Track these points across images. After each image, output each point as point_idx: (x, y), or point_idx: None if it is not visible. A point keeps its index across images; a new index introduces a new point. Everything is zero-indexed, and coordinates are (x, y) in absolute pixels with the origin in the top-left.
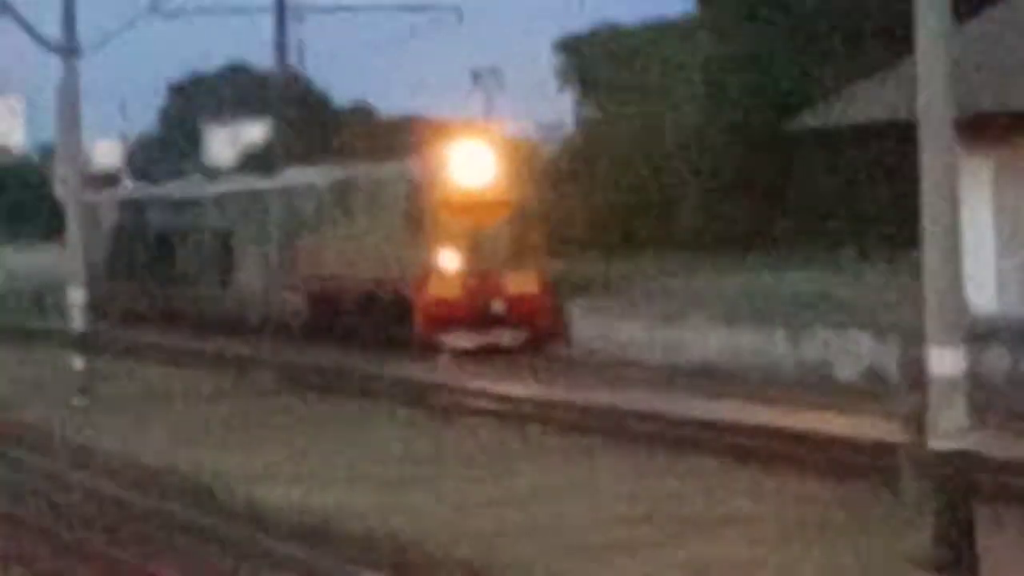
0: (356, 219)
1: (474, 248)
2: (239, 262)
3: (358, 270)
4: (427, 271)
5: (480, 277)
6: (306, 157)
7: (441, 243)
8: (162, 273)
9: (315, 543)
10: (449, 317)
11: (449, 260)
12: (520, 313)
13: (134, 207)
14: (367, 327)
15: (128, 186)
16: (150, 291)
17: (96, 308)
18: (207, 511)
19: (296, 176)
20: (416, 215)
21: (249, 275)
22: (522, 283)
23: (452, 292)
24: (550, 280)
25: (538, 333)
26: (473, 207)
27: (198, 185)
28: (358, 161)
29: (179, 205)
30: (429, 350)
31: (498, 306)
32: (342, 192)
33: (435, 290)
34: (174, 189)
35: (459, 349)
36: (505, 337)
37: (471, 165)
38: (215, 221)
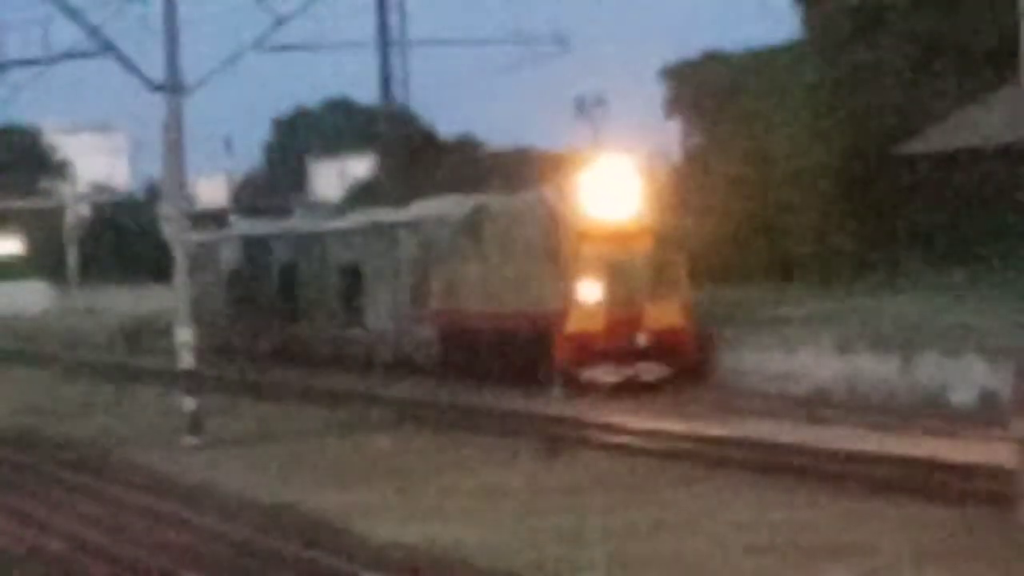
0: (491, 252)
1: (615, 279)
2: (367, 298)
3: (494, 304)
4: (567, 304)
5: (622, 309)
6: (413, 190)
7: (581, 275)
8: (287, 311)
9: None
10: (590, 351)
11: (590, 292)
12: (663, 346)
13: (256, 243)
14: (504, 363)
15: (234, 223)
16: (274, 330)
17: (220, 349)
18: (318, 546)
19: (426, 208)
20: (555, 246)
21: (378, 311)
22: (665, 315)
23: (593, 325)
24: (692, 311)
25: (682, 366)
26: (613, 237)
27: (323, 219)
28: (473, 192)
29: (303, 240)
30: (569, 385)
31: (641, 339)
32: (476, 224)
33: (576, 324)
34: (298, 224)
35: (601, 384)
36: (648, 371)
37: (610, 193)
38: (342, 256)
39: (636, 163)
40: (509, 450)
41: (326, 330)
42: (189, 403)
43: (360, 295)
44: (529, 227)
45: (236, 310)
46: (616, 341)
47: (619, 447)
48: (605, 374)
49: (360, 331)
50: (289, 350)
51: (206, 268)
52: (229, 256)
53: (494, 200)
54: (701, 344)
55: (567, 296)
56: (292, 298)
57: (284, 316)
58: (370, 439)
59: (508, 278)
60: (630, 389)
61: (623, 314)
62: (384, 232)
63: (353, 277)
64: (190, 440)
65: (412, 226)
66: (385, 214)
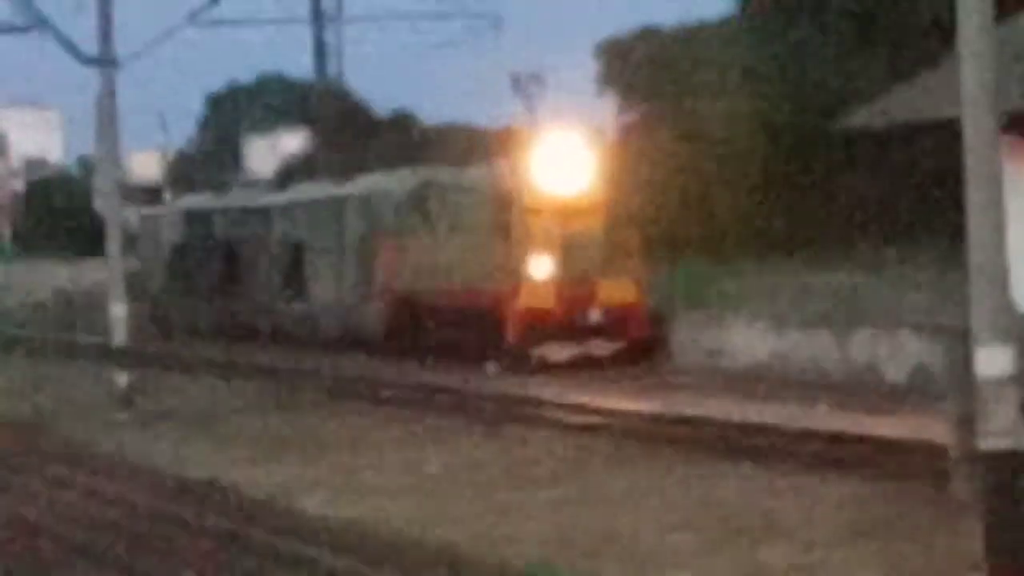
0: (439, 227)
1: (567, 255)
2: (311, 273)
3: (443, 280)
4: (518, 280)
5: (574, 285)
6: (347, 166)
7: (532, 250)
8: (228, 286)
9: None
10: (542, 328)
11: (541, 268)
12: (616, 322)
13: (199, 218)
14: (452, 340)
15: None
16: (216, 305)
17: (159, 322)
18: (245, 522)
19: (372, 182)
20: (505, 221)
21: (322, 287)
22: (618, 291)
23: (545, 302)
24: (645, 287)
25: (635, 343)
26: (565, 211)
27: (266, 194)
28: (407, 167)
29: (246, 214)
30: (520, 362)
31: (593, 315)
32: (423, 199)
33: (527, 300)
34: (240, 198)
35: (553, 361)
36: (601, 348)
37: (561, 168)
38: (285, 230)
39: (586, 137)
40: (446, 427)
41: (269, 306)
42: (121, 378)
43: (304, 270)
44: (478, 202)
45: (178, 285)
46: (568, 317)
47: (554, 423)
48: (557, 351)
49: (304, 307)
50: (231, 326)
51: (148, 243)
52: (171, 231)
53: (442, 174)
54: (653, 320)
55: (518, 272)
56: (235, 273)
57: (227, 292)
58: (304, 415)
59: (457, 253)
60: (579, 366)
61: (575, 290)
62: (329, 206)
63: (297, 252)
64: (121, 416)
65: (358, 200)
66: (330, 188)
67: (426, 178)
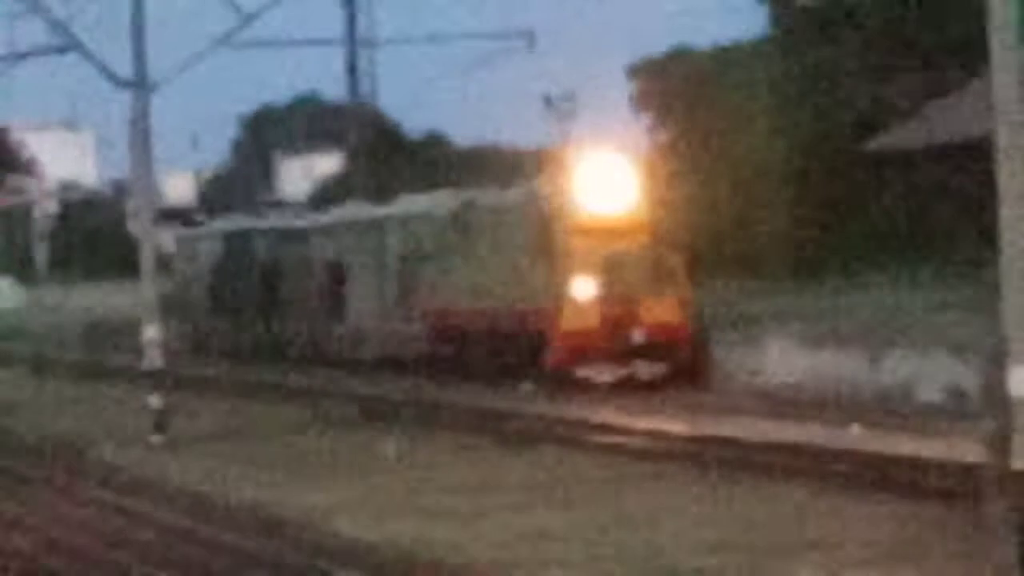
0: (481, 247)
1: (611, 275)
2: (351, 293)
3: (484, 301)
4: (561, 301)
5: (618, 306)
6: (380, 188)
7: (575, 270)
8: (268, 307)
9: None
10: (585, 349)
11: (584, 288)
12: (661, 344)
13: (238, 239)
14: (494, 361)
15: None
16: (255, 326)
17: (200, 345)
18: (278, 544)
19: (413, 203)
20: (547, 241)
21: (362, 307)
22: (663, 311)
23: (588, 323)
24: (690, 308)
25: (680, 364)
26: (608, 231)
27: (305, 215)
28: (461, 188)
29: (286, 236)
30: (564, 384)
31: (638, 337)
32: (465, 219)
33: (570, 321)
34: (280, 219)
35: (597, 383)
36: (645, 370)
37: (605, 188)
38: (325, 251)
39: (628, 158)
40: (481, 447)
41: (310, 327)
42: (155, 401)
43: (343, 291)
44: (521, 222)
45: (216, 306)
46: (612, 339)
47: (583, 443)
48: (601, 373)
49: (343, 327)
50: (269, 347)
51: (187, 264)
52: (210, 252)
53: (483, 195)
54: (698, 342)
55: (561, 292)
56: (274, 294)
57: (265, 313)
58: (340, 437)
59: (499, 274)
60: (622, 386)
61: (619, 311)
62: (369, 227)
63: (337, 273)
64: (156, 438)
65: (399, 221)
66: (370, 209)
67: (467, 199)
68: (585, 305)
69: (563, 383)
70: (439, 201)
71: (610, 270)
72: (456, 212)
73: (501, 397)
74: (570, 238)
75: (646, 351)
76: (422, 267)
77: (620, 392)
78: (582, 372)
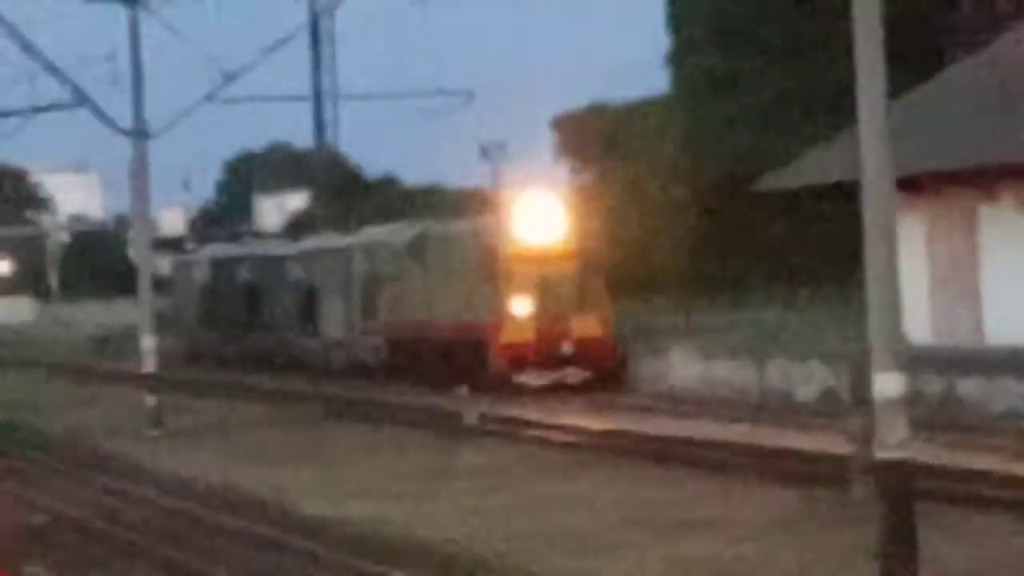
0: (433, 271)
1: (544, 295)
2: (322, 311)
3: (436, 317)
4: (502, 317)
5: (550, 321)
6: (342, 222)
7: (514, 292)
8: (250, 322)
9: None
10: (522, 358)
11: (521, 306)
12: (587, 354)
13: (224, 264)
14: (444, 369)
15: (195, 248)
16: (239, 339)
17: (192, 354)
18: (255, 520)
19: (375, 234)
20: (490, 266)
21: (331, 323)
22: (587, 326)
23: (525, 336)
24: (611, 323)
25: (603, 371)
26: (542, 258)
27: (282, 243)
28: (414, 222)
29: (266, 261)
30: (499, 388)
31: (567, 348)
32: (419, 247)
33: (509, 334)
34: (260, 247)
35: (532, 387)
36: (573, 376)
37: (539, 220)
38: (299, 275)
39: (559, 197)
40: (426, 440)
41: (286, 339)
42: (151, 400)
43: (316, 309)
44: (467, 250)
45: (206, 321)
46: (545, 349)
47: (517, 438)
48: (535, 378)
49: (315, 340)
50: (252, 356)
51: (181, 285)
52: (200, 275)
53: (435, 227)
54: (619, 351)
55: (502, 310)
56: (255, 311)
57: (248, 327)
58: (308, 431)
59: (448, 294)
60: (552, 390)
61: (551, 325)
62: (337, 254)
63: (309, 293)
64: (151, 432)
65: (363, 249)
66: (338, 239)
67: (421, 230)
68: (522, 320)
69: (494, 387)
70: (397, 232)
71: (543, 291)
72: (412, 241)
73: (444, 399)
74: (509, 264)
75: (574, 360)
76: (382, 288)
77: (551, 394)
78: (520, 378)
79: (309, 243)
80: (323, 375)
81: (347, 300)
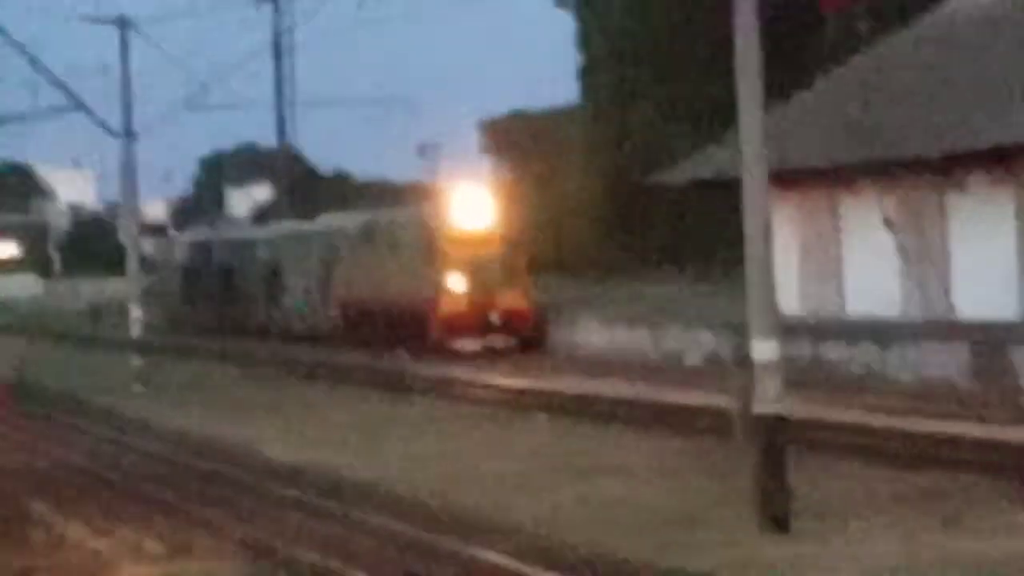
0: (380, 253)
1: (475, 273)
2: (285, 287)
3: (383, 291)
4: (439, 292)
5: (480, 295)
6: (300, 211)
7: (449, 270)
8: (224, 296)
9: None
10: (457, 326)
11: (456, 283)
12: (511, 323)
13: (202, 246)
14: (390, 335)
15: (172, 233)
16: (214, 310)
17: (174, 324)
18: (227, 464)
19: (331, 221)
20: (429, 249)
21: (293, 297)
22: (512, 299)
23: (459, 307)
24: (531, 296)
25: (525, 338)
26: (473, 241)
27: (251, 229)
28: (364, 211)
29: (237, 244)
30: (436, 352)
31: (494, 317)
32: (369, 233)
33: (445, 306)
34: (232, 232)
35: (465, 352)
36: (499, 341)
37: (470, 209)
38: (266, 256)
39: (487, 189)
40: (372, 396)
41: (254, 310)
42: (137, 361)
43: (280, 284)
44: (410, 235)
45: (187, 295)
46: (475, 319)
47: (451, 395)
48: (468, 344)
49: (280, 311)
50: (226, 325)
51: (165, 265)
52: (182, 256)
53: (382, 215)
54: (539, 321)
55: (439, 286)
56: (229, 287)
57: (222, 300)
58: (273, 388)
59: (393, 272)
60: (482, 355)
61: (480, 299)
62: (300, 238)
63: (275, 271)
64: (138, 389)
65: (321, 234)
66: (300, 225)
67: (371, 218)
68: (456, 294)
69: (433, 351)
70: (350, 219)
71: (474, 269)
72: (363, 227)
73: (387, 361)
74: (445, 246)
75: (500, 328)
76: (337, 267)
77: (480, 358)
78: (455, 344)
79: (274, 229)
80: (285, 341)
81: (307, 277)
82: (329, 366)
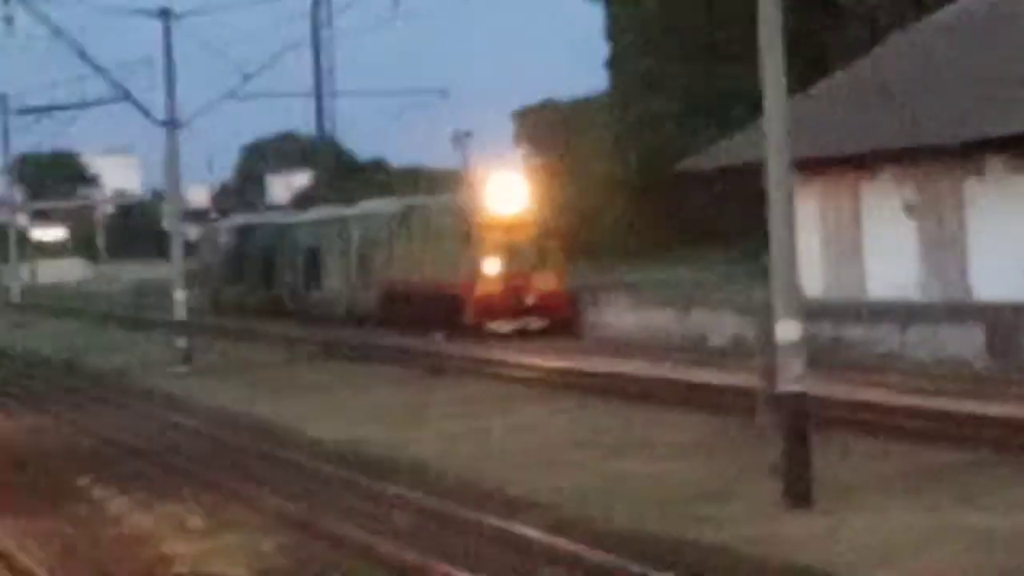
0: (418, 237)
1: (510, 257)
2: (325, 270)
3: (420, 274)
4: (475, 275)
5: (515, 279)
6: (339, 198)
7: (485, 254)
8: (266, 278)
9: (349, 464)
10: (492, 309)
11: (491, 266)
12: (545, 305)
13: (245, 231)
14: (427, 317)
15: (214, 218)
16: (257, 292)
17: (218, 306)
18: (269, 441)
19: (370, 206)
20: (465, 234)
21: (333, 280)
22: (546, 282)
23: (494, 290)
24: (565, 279)
25: (559, 320)
26: (508, 226)
27: (293, 214)
28: (401, 197)
29: (279, 229)
30: (472, 333)
31: (529, 300)
32: (407, 218)
33: (481, 289)
34: (274, 217)
35: (501, 333)
36: (534, 323)
37: (505, 195)
38: (307, 240)
39: (521, 176)
40: (410, 376)
41: (296, 292)
42: (181, 342)
43: (320, 268)
44: (447, 220)
45: (230, 278)
46: (510, 301)
47: (486, 374)
48: (503, 326)
49: (320, 293)
50: (268, 307)
51: (209, 249)
52: (225, 240)
53: (420, 201)
54: (572, 303)
55: (475, 269)
56: (271, 270)
57: (265, 283)
58: (314, 368)
59: (431, 256)
60: (519, 336)
61: (515, 282)
62: (340, 223)
63: (316, 255)
64: (182, 368)
65: (360, 218)
66: (340, 210)
67: (409, 203)
68: (492, 278)
69: (469, 333)
70: (388, 205)
71: (509, 253)
72: (401, 212)
73: (424, 343)
74: (481, 231)
75: (535, 310)
76: (376, 251)
77: (515, 338)
78: (490, 325)
79: (315, 213)
80: (326, 323)
81: (346, 261)
82: (368, 347)
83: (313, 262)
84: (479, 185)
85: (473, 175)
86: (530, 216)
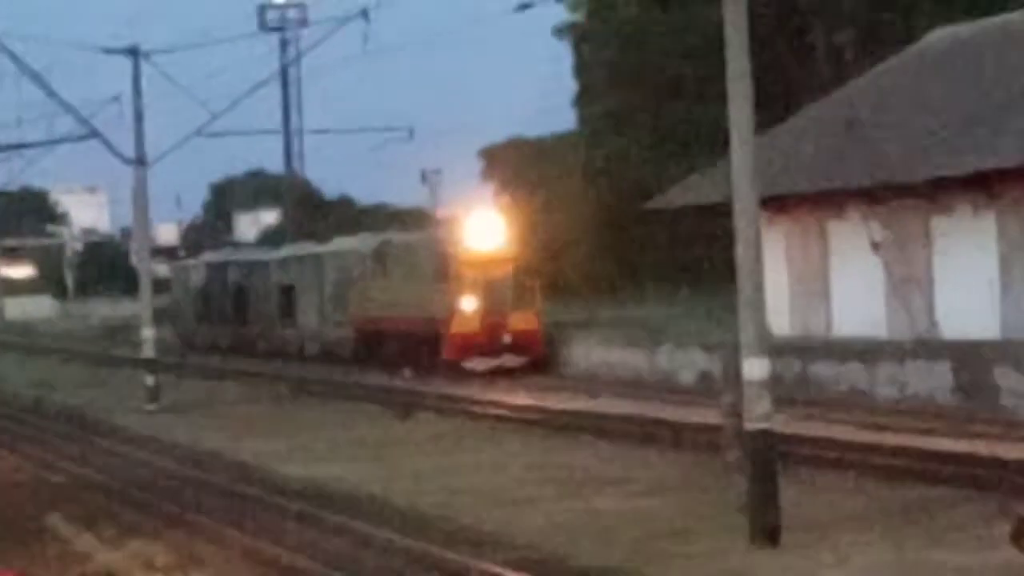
0: (393, 274)
1: (487, 294)
2: (299, 307)
3: (396, 312)
4: (451, 312)
5: (492, 316)
6: (306, 235)
7: (462, 292)
8: (239, 316)
9: (317, 502)
10: (469, 347)
11: (468, 304)
12: (521, 343)
13: (217, 268)
14: (403, 355)
15: (183, 255)
16: (229, 330)
17: (190, 344)
18: (237, 479)
19: (344, 242)
20: (442, 271)
21: (307, 317)
22: (523, 320)
23: (471, 328)
24: (542, 317)
25: (535, 358)
26: (485, 263)
27: (266, 251)
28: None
29: (252, 265)
30: (447, 372)
31: (506, 338)
32: (382, 254)
33: (458, 327)
34: (246, 254)
35: (478, 371)
36: (511, 361)
37: (482, 232)
38: (280, 277)
39: (498, 214)
40: (378, 414)
41: (269, 330)
42: (149, 380)
43: (294, 305)
44: (423, 257)
45: (202, 316)
46: (487, 339)
47: (451, 411)
48: (480, 363)
49: (294, 331)
50: (240, 345)
51: (180, 286)
52: (197, 277)
53: (395, 237)
54: (548, 341)
55: (451, 306)
56: (243, 307)
57: (237, 320)
58: (284, 407)
59: (407, 293)
60: (494, 374)
61: (492, 320)
62: (313, 259)
63: (289, 292)
64: (150, 407)
65: (335, 255)
66: (313, 247)
67: (384, 240)
68: (469, 315)
69: (442, 370)
70: (364, 241)
71: (486, 291)
72: (376, 249)
73: (397, 380)
74: (458, 268)
75: (511, 348)
76: (350, 288)
77: (482, 376)
78: (467, 363)
79: (289, 250)
80: (300, 360)
81: (320, 298)
82: (341, 385)
83: (287, 299)
84: (455, 222)
85: (445, 212)
86: (507, 253)
